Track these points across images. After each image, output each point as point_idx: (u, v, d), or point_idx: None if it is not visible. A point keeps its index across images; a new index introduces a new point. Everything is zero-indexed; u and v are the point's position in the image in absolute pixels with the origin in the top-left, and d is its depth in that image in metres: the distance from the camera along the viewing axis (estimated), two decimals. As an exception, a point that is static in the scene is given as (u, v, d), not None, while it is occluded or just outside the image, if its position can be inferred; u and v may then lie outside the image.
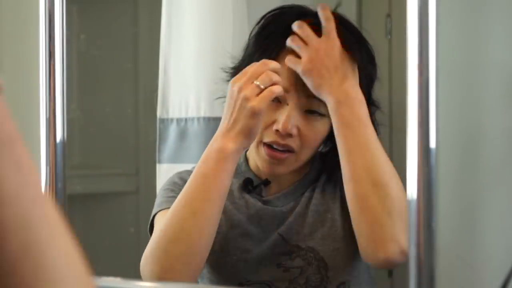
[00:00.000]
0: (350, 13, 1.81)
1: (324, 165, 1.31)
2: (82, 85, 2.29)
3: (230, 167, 1.17)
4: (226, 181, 1.17)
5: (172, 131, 1.67)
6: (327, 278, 1.26)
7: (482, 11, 1.42)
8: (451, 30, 1.39)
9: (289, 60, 1.21)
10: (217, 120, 1.60)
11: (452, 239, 1.42)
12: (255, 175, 1.31)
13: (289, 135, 1.22)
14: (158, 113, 1.69)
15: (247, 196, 1.30)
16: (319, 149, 1.30)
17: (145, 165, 2.28)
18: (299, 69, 1.20)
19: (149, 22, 2.30)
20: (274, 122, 1.22)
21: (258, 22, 1.29)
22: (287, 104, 1.22)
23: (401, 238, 1.14)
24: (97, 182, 2.40)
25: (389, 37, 1.80)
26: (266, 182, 1.30)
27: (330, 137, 1.26)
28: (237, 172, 1.31)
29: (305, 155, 1.25)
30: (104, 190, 2.38)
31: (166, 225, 1.18)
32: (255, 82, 1.14)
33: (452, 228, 1.42)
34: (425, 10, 0.87)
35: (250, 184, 1.30)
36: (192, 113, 1.66)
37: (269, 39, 1.26)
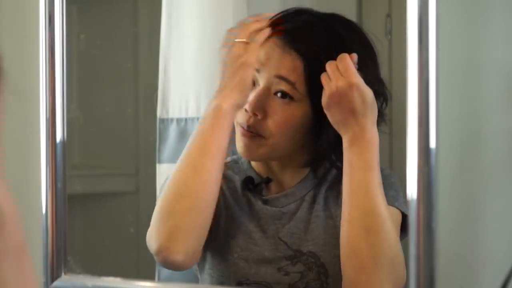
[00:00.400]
0: (350, 13, 1.81)
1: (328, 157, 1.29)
2: (82, 85, 2.29)
3: (226, 123, 1.20)
4: (223, 137, 1.20)
5: (172, 131, 1.67)
6: (327, 284, 1.25)
7: (482, 11, 1.42)
8: (451, 30, 1.39)
9: (322, 77, 1.21)
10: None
11: (452, 239, 1.42)
12: (257, 174, 1.31)
13: (255, 115, 1.23)
14: (158, 113, 1.69)
15: (248, 194, 1.30)
16: (317, 144, 1.28)
17: (145, 165, 2.28)
18: (323, 99, 1.20)
19: (149, 22, 2.30)
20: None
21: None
22: (259, 84, 1.24)
23: (382, 286, 1.15)
24: (97, 182, 2.40)
25: (389, 37, 1.80)
26: (267, 180, 1.30)
27: (318, 126, 1.25)
28: (239, 170, 1.32)
29: (280, 140, 1.24)
30: (104, 190, 2.38)
31: (169, 185, 1.20)
32: (240, 40, 1.20)
33: (452, 228, 1.42)
34: (425, 10, 0.87)
35: (251, 182, 1.30)
36: (192, 113, 1.66)
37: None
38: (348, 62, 1.19)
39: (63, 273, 1.23)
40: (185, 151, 1.22)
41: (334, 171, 1.29)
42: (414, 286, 0.88)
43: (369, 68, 1.25)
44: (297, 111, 1.24)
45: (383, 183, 1.22)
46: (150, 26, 2.23)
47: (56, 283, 1.23)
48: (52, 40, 1.21)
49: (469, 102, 1.44)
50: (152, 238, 1.19)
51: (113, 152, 2.37)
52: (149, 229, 1.21)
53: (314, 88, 1.21)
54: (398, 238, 1.19)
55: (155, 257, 1.20)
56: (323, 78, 1.20)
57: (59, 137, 1.23)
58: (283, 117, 1.23)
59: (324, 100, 1.19)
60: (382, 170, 1.27)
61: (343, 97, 1.18)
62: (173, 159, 1.67)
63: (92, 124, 2.33)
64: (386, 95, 1.28)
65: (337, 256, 1.24)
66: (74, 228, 2.10)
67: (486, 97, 1.42)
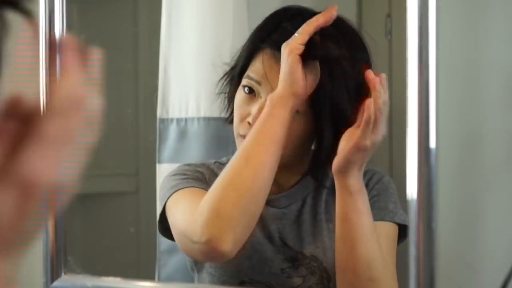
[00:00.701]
0: (350, 13, 1.81)
1: (314, 160, 1.29)
2: (82, 85, 2.28)
3: (278, 113, 1.16)
4: (276, 126, 1.17)
5: (172, 131, 1.67)
6: None
7: (482, 11, 1.42)
8: (451, 30, 1.39)
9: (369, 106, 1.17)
10: (217, 120, 1.60)
11: (452, 239, 1.42)
12: None
13: None
14: (158, 113, 1.69)
15: None
16: (312, 146, 1.28)
17: (145, 165, 2.28)
18: (360, 141, 1.16)
19: (149, 22, 2.30)
20: (249, 115, 1.23)
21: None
22: (261, 97, 1.22)
23: None
24: (97, 182, 2.39)
25: (389, 37, 1.80)
26: None
27: (316, 133, 1.24)
28: None
29: (285, 151, 1.22)
30: (104, 190, 2.38)
31: (222, 176, 1.18)
32: (294, 36, 1.17)
33: (452, 228, 1.42)
34: (425, 10, 0.87)
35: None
36: (192, 113, 1.66)
37: (261, 29, 1.26)
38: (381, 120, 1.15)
39: (63, 273, 1.23)
40: (241, 145, 1.20)
41: (332, 177, 1.29)
42: (414, 286, 0.88)
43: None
44: (301, 123, 1.22)
45: (383, 193, 1.23)
46: (150, 26, 2.23)
47: (56, 283, 1.23)
48: (52, 40, 1.21)
49: (469, 102, 1.44)
50: (200, 228, 1.15)
51: (113, 152, 2.37)
52: (194, 219, 1.17)
53: (317, 101, 1.21)
54: (394, 269, 1.21)
55: (200, 247, 1.16)
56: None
57: (59, 137, 1.22)
58: (293, 130, 1.22)
59: (356, 144, 1.15)
60: (381, 178, 1.27)
61: (361, 151, 1.16)
62: (173, 159, 1.67)
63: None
64: None
65: None
66: (74, 228, 2.10)
67: (486, 97, 1.42)
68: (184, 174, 1.28)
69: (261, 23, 1.28)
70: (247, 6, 1.62)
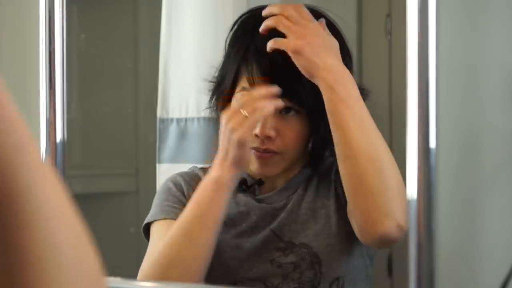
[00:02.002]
0: (350, 13, 1.81)
1: (311, 160, 1.31)
2: (82, 85, 2.29)
3: (224, 196, 1.20)
4: (221, 209, 1.20)
5: (172, 131, 1.68)
6: (321, 273, 1.26)
7: (482, 11, 1.42)
8: (451, 30, 1.39)
9: (275, 42, 1.21)
10: (216, 120, 1.60)
11: (452, 239, 1.42)
12: (249, 176, 1.32)
13: (268, 138, 1.23)
14: (158, 113, 1.69)
15: (241, 195, 1.31)
16: (309, 147, 1.30)
17: (145, 165, 2.28)
18: (288, 47, 1.19)
19: (149, 22, 2.30)
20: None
21: (231, 29, 1.31)
22: None
23: (398, 213, 1.14)
24: (97, 182, 2.40)
25: (389, 37, 1.80)
26: (260, 182, 1.32)
27: (314, 134, 1.27)
28: None
29: (291, 154, 1.27)
30: (104, 190, 2.38)
31: (162, 251, 1.21)
32: (241, 111, 1.16)
33: (452, 228, 1.42)
34: (425, 10, 0.87)
35: (244, 183, 1.31)
36: (192, 113, 1.66)
37: (238, 41, 1.28)
38: (303, 10, 1.21)
39: (63, 273, 1.23)
40: (181, 219, 1.21)
41: (324, 164, 1.30)
42: (414, 286, 0.88)
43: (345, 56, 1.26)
44: (302, 123, 1.25)
45: None
46: (150, 26, 2.24)
47: (56, 283, 1.23)
48: (52, 40, 1.21)
49: (469, 102, 1.44)
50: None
51: (113, 152, 2.38)
52: (144, 271, 1.23)
53: (309, 98, 1.22)
54: (396, 165, 1.19)
55: None
56: (281, 23, 1.21)
57: (59, 137, 1.23)
58: (295, 132, 1.25)
59: (294, 44, 1.18)
60: None
61: (314, 38, 1.19)
62: (173, 159, 1.67)
63: (92, 124, 2.33)
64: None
65: (330, 245, 1.26)
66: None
67: (486, 97, 1.42)
68: (166, 199, 1.31)
69: (234, 34, 1.29)
70: (247, 6, 1.62)
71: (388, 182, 1.16)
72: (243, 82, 1.25)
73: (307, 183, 1.31)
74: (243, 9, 1.53)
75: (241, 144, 1.16)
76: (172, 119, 1.68)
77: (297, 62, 1.19)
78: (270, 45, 1.21)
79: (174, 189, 1.32)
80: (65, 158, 1.23)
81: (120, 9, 2.38)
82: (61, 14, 1.21)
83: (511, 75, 1.38)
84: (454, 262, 1.42)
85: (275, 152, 1.25)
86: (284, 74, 1.22)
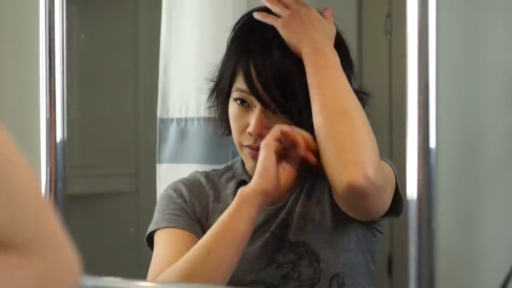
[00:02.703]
0: (350, 13, 1.81)
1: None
2: (82, 85, 2.29)
3: (246, 210, 1.19)
4: (241, 224, 1.19)
5: (172, 131, 1.67)
6: (320, 270, 1.26)
7: (482, 11, 1.42)
8: (451, 30, 1.39)
9: (264, 16, 1.26)
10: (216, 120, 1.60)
11: (452, 239, 1.42)
12: (250, 178, 1.32)
13: (262, 136, 1.23)
14: (158, 113, 1.69)
15: None
16: None
17: (145, 165, 2.28)
18: (277, 23, 1.24)
19: (149, 22, 2.30)
20: (247, 125, 1.25)
21: (233, 29, 1.32)
22: (255, 106, 1.24)
23: (365, 162, 1.15)
24: (97, 182, 2.40)
25: (389, 37, 1.80)
26: None
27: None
28: (233, 176, 1.34)
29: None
30: (104, 190, 2.39)
31: (180, 262, 1.20)
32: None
33: (452, 228, 1.42)
34: (425, 10, 0.87)
35: (244, 185, 1.31)
36: (192, 113, 1.66)
37: (236, 42, 1.29)
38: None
39: (63, 273, 1.23)
40: (205, 234, 1.22)
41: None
42: (414, 286, 0.88)
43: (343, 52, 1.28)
44: (293, 122, 1.25)
45: None
46: (150, 26, 2.24)
47: (56, 283, 1.23)
48: (52, 40, 1.21)
49: (469, 102, 1.44)
50: None
51: (113, 152, 2.38)
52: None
53: (302, 98, 1.23)
54: (369, 123, 1.20)
55: None
56: (274, 4, 1.26)
57: (59, 137, 1.23)
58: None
59: (284, 20, 1.24)
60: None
61: (305, 18, 1.24)
62: (173, 159, 1.67)
63: (92, 124, 2.33)
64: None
65: (327, 241, 1.26)
66: (74, 228, 2.10)
67: (486, 97, 1.43)
68: (168, 206, 1.31)
69: (234, 34, 1.31)
70: (247, 6, 1.62)
71: (357, 135, 1.17)
72: (239, 82, 1.26)
73: (304, 182, 1.31)
74: (243, 9, 1.53)
75: (268, 157, 1.19)
76: (172, 119, 1.68)
77: (284, 35, 1.23)
78: (259, 17, 1.26)
79: (174, 195, 1.32)
80: (65, 158, 1.23)
81: (120, 9, 2.38)
82: (61, 14, 1.21)
83: (511, 75, 1.38)
84: (454, 262, 1.42)
85: None
86: (278, 74, 1.23)
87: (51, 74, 1.22)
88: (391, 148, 1.77)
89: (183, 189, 1.33)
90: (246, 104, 1.25)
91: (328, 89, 1.20)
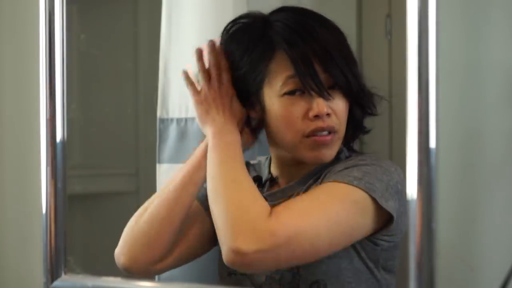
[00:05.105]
0: (350, 13, 1.81)
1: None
2: (82, 85, 2.29)
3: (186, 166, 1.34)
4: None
5: (172, 131, 1.67)
6: (299, 276, 1.27)
7: (482, 11, 1.42)
8: (451, 30, 1.39)
9: (187, 77, 1.41)
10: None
11: (452, 240, 1.42)
12: (269, 172, 1.35)
13: (328, 115, 1.25)
14: (158, 113, 1.69)
15: None
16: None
17: (145, 165, 2.28)
18: (193, 95, 1.38)
19: (149, 22, 2.29)
20: (307, 111, 1.26)
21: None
22: (309, 92, 1.26)
23: (230, 238, 1.16)
24: (97, 182, 2.40)
25: (389, 37, 1.80)
26: (273, 179, 1.34)
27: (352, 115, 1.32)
28: (254, 170, 1.40)
29: (342, 132, 1.29)
30: (104, 190, 2.38)
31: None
32: None
33: (452, 228, 1.42)
34: (425, 10, 0.87)
35: (258, 181, 1.33)
36: (192, 113, 1.65)
37: (256, 50, 1.31)
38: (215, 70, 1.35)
39: (63, 273, 1.23)
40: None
41: (328, 168, 1.30)
42: (414, 286, 0.88)
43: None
44: (344, 100, 1.29)
45: (354, 166, 1.25)
46: (150, 26, 2.23)
47: (56, 283, 1.23)
48: (52, 40, 1.21)
49: (469, 102, 1.44)
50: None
51: (113, 152, 2.37)
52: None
53: (349, 75, 1.28)
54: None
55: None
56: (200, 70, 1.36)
57: (59, 137, 1.23)
58: (342, 107, 1.28)
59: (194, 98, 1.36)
60: (362, 160, 1.27)
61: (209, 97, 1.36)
62: (173, 159, 1.67)
63: (92, 124, 2.33)
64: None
65: None
66: (74, 228, 2.10)
67: (486, 96, 1.42)
68: None
69: (250, 35, 1.34)
70: (247, 6, 1.62)
71: (222, 212, 1.19)
72: (285, 72, 1.27)
73: (307, 184, 1.31)
74: (243, 9, 1.53)
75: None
76: (172, 119, 1.68)
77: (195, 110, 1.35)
78: (183, 75, 1.40)
79: None
80: (65, 158, 1.23)
81: (120, 9, 2.37)
82: (61, 14, 1.21)
83: (511, 75, 1.38)
84: (454, 262, 1.42)
85: (334, 132, 1.27)
86: (324, 51, 1.26)
87: (51, 74, 1.22)
88: (391, 148, 1.77)
89: None
90: (299, 91, 1.26)
91: (209, 173, 1.27)
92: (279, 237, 1.13)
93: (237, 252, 1.13)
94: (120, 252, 1.33)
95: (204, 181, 1.30)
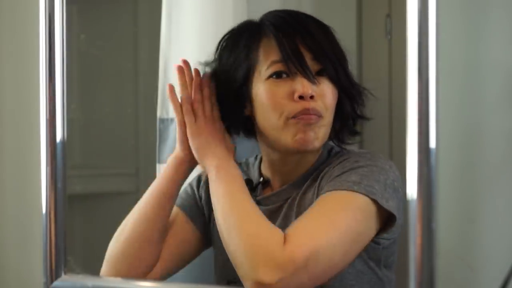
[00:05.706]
0: (350, 13, 1.81)
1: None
2: (82, 85, 2.29)
3: (168, 172, 1.37)
4: (164, 183, 1.37)
5: (172, 131, 1.67)
6: None
7: (482, 11, 1.42)
8: (451, 30, 1.39)
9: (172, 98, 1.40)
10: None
11: (452, 240, 1.42)
12: (261, 174, 1.34)
13: (312, 97, 1.25)
14: (158, 113, 1.69)
15: None
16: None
17: (145, 165, 2.28)
18: (188, 127, 1.35)
19: (149, 22, 2.29)
20: (292, 93, 1.25)
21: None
22: (295, 73, 1.26)
23: (249, 270, 1.15)
24: (97, 182, 2.40)
25: (389, 37, 1.80)
26: (264, 182, 1.32)
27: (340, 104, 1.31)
28: (249, 173, 1.39)
29: (328, 119, 1.28)
30: (104, 190, 2.38)
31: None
32: None
33: (452, 228, 1.42)
34: (425, 10, 0.87)
35: (249, 184, 1.32)
36: (192, 113, 1.65)
37: (244, 41, 1.33)
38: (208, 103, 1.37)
39: (63, 273, 1.23)
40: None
41: (324, 170, 1.30)
42: (414, 286, 0.88)
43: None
44: (332, 87, 1.28)
45: (350, 169, 1.24)
46: (150, 26, 2.23)
47: (56, 283, 1.23)
48: (52, 40, 1.21)
49: (469, 102, 1.44)
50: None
51: (113, 152, 2.37)
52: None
53: (337, 62, 1.29)
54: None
55: None
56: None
57: (59, 137, 1.23)
58: (329, 93, 1.28)
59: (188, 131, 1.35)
60: (357, 162, 1.27)
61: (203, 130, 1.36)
62: (173, 159, 1.66)
63: (92, 124, 2.33)
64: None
65: None
66: (74, 228, 2.10)
67: (486, 97, 1.42)
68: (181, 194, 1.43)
69: (236, 32, 1.37)
70: (247, 6, 1.62)
71: (239, 247, 1.18)
72: (271, 57, 1.28)
73: (306, 190, 1.31)
74: (243, 9, 1.53)
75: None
76: (172, 119, 1.68)
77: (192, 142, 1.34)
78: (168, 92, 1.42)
79: (186, 187, 1.43)
80: (65, 158, 1.23)
81: (120, 9, 2.37)
82: (61, 14, 1.21)
83: (511, 75, 1.38)
84: (454, 262, 1.42)
85: (320, 116, 1.26)
86: (309, 34, 1.28)
87: (51, 74, 1.22)
88: (391, 148, 1.76)
89: (194, 182, 1.44)
90: (283, 76, 1.26)
91: (216, 207, 1.25)
92: (298, 261, 1.12)
93: (261, 285, 1.13)
94: (107, 274, 1.33)
95: (177, 193, 1.37)
